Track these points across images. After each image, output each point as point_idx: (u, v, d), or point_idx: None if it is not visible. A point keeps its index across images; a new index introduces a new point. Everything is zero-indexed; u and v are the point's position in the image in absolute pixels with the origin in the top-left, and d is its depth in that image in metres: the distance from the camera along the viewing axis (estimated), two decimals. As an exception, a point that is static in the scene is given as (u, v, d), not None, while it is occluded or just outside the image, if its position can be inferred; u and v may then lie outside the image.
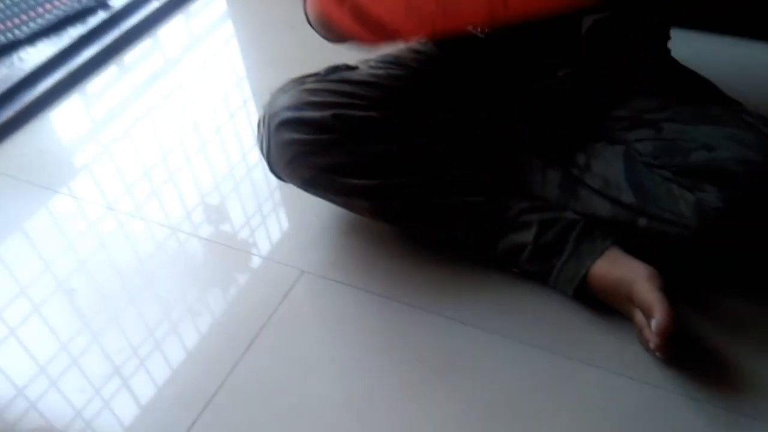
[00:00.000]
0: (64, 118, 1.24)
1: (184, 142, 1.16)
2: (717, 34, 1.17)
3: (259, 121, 0.86)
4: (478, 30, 0.84)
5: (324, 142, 0.81)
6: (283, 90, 0.85)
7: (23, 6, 1.42)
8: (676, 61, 0.90)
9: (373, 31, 0.66)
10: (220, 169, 1.10)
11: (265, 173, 1.06)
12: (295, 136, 0.82)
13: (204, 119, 1.21)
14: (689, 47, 0.91)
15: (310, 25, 0.80)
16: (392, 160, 0.83)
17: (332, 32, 0.74)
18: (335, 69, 0.88)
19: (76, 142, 1.20)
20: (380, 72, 0.89)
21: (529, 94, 0.91)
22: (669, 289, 0.75)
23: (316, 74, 0.87)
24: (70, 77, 1.30)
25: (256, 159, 1.08)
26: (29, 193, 1.10)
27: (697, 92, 0.84)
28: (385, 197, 0.84)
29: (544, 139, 0.90)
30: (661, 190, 0.78)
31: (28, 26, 1.37)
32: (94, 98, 1.28)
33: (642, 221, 0.79)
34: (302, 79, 0.86)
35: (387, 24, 0.66)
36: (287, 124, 0.82)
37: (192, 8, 1.48)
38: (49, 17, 1.38)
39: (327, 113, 0.81)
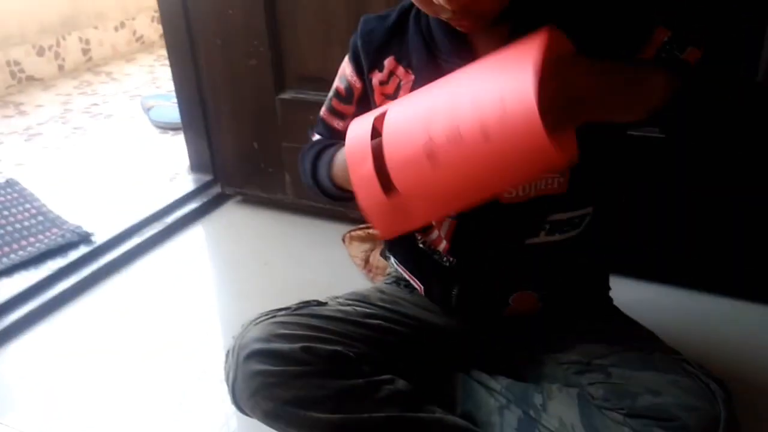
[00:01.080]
0: (29, 352, 1.24)
1: (147, 378, 1.16)
2: (656, 283, 1.28)
3: (228, 351, 0.88)
4: (444, 258, 0.91)
5: (291, 373, 0.82)
6: (253, 322, 0.88)
7: (7, 239, 1.50)
8: (617, 308, 0.98)
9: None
10: (181, 408, 1.09)
11: (228, 410, 1.05)
12: (263, 367, 0.83)
13: (171, 355, 1.22)
14: (629, 295, 1.00)
15: None
16: (356, 395, 0.84)
17: None
18: (306, 304, 0.93)
19: (37, 376, 1.18)
20: (348, 308, 0.94)
21: (486, 335, 0.96)
22: None
23: (287, 308, 0.91)
24: (41, 309, 1.32)
25: (218, 397, 1.08)
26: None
27: (639, 340, 0.90)
28: None
29: (504, 372, 0.93)
30: (613, 433, 0.80)
31: (9, 258, 1.42)
32: (63, 332, 1.29)
33: (598, 465, 0.80)
34: (273, 313, 0.90)
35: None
36: (256, 355, 0.84)
37: (171, 244, 1.57)
38: (31, 250, 1.45)
39: (296, 345, 0.84)
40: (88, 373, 1.18)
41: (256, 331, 0.86)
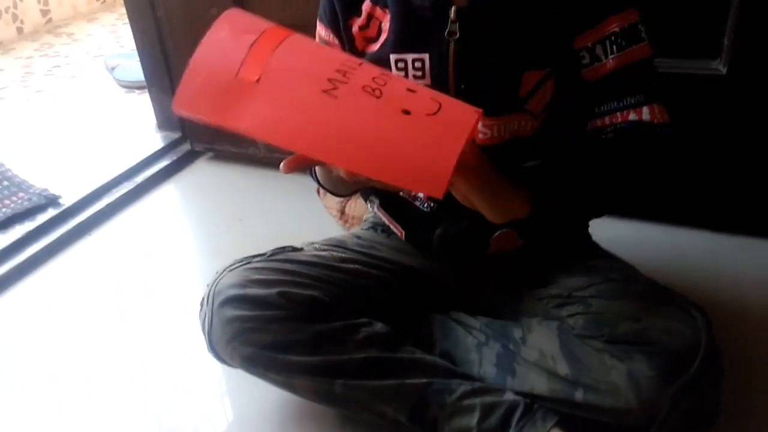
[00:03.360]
0: (2, 316, 1.21)
1: (125, 339, 1.14)
2: (633, 220, 1.28)
3: (203, 299, 0.87)
4: (424, 204, 0.89)
5: (267, 318, 0.82)
6: (228, 269, 0.87)
7: (-27, 206, 1.45)
8: (597, 244, 0.97)
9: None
10: (159, 365, 1.07)
11: (205, 364, 1.04)
12: (238, 312, 0.82)
13: (146, 316, 1.19)
14: (606, 233, 0.99)
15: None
16: (334, 337, 0.83)
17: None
18: (281, 250, 0.92)
19: (10, 342, 1.16)
20: (324, 253, 0.93)
21: (467, 275, 0.95)
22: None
23: (261, 255, 0.90)
24: (11, 274, 1.29)
25: (196, 352, 1.06)
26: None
27: (619, 271, 0.90)
28: (327, 376, 0.83)
29: (482, 312, 0.93)
30: (594, 361, 0.80)
31: (-25, 224, 1.38)
32: (35, 296, 1.26)
33: (578, 395, 0.80)
34: (248, 259, 0.88)
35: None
36: (231, 301, 0.83)
37: (142, 203, 1.54)
38: (-3, 215, 1.41)
39: (272, 291, 0.83)
40: (64, 336, 1.15)
41: (231, 278, 0.84)
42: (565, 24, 0.79)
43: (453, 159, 0.61)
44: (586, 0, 0.78)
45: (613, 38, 0.79)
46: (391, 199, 0.96)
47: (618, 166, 0.79)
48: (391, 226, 0.98)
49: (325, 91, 0.62)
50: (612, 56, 0.79)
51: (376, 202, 1.01)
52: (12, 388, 1.05)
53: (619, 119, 0.80)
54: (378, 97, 0.63)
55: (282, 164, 0.69)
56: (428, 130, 0.63)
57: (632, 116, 0.80)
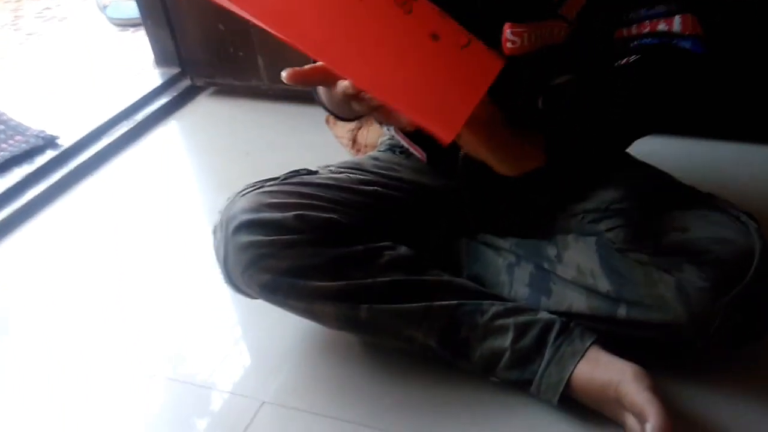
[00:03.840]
0: (6, 262, 1.17)
1: (136, 279, 1.10)
2: (669, 136, 1.21)
3: (216, 226, 0.82)
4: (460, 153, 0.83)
5: (284, 243, 0.77)
6: (240, 194, 0.82)
7: (-32, 150, 1.40)
8: (630, 155, 0.91)
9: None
10: (176, 304, 1.03)
11: (223, 299, 1.00)
12: (254, 238, 0.77)
13: (157, 252, 1.15)
14: (637, 146, 0.93)
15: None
16: (356, 261, 0.79)
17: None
18: (295, 173, 0.87)
19: (19, 286, 1.12)
20: (341, 175, 0.88)
21: (495, 195, 0.90)
22: (659, 387, 0.70)
23: (275, 178, 0.85)
24: (13, 218, 1.25)
25: (212, 287, 1.02)
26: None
27: (660, 180, 0.84)
28: (351, 301, 0.78)
29: (511, 233, 0.88)
30: (638, 275, 0.75)
31: (-28, 169, 1.33)
32: (39, 239, 1.22)
33: (621, 311, 0.76)
34: (261, 183, 0.84)
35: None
36: (246, 226, 0.78)
37: (144, 141, 1.48)
38: (-5, 159, 1.36)
39: (289, 214, 0.78)
40: (72, 280, 1.11)
41: (243, 202, 0.80)
42: None
43: (471, 105, 0.57)
44: None
45: None
46: None
47: (643, 95, 0.74)
48: (411, 149, 0.92)
49: None
50: None
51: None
52: (17, 335, 1.02)
53: (648, 28, 0.74)
54: (407, 12, 0.58)
55: (285, 72, 0.62)
56: (454, 65, 0.59)
57: (662, 26, 0.73)
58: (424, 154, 0.90)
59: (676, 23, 0.73)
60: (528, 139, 0.71)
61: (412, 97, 0.57)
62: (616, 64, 0.75)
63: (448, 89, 0.58)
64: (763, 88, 1.14)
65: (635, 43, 0.74)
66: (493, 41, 0.74)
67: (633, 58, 0.74)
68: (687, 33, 0.73)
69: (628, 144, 0.80)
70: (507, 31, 0.73)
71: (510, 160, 0.70)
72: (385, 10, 0.57)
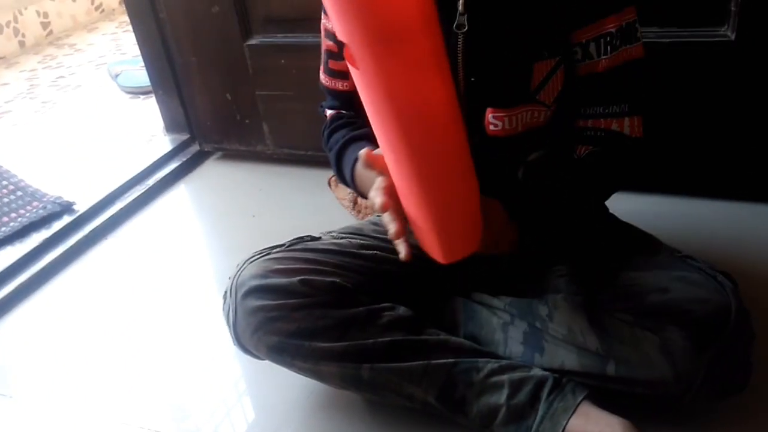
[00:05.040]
0: (23, 324, 1.22)
1: (146, 338, 1.14)
2: (649, 194, 1.27)
3: (226, 292, 0.87)
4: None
5: (291, 306, 0.82)
6: (248, 261, 0.87)
7: (-12, 217, 1.46)
8: (614, 216, 0.96)
9: None
10: (184, 363, 1.08)
11: (228, 358, 1.04)
12: (262, 302, 0.82)
13: (167, 314, 1.19)
14: (624, 205, 0.98)
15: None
16: (358, 322, 0.83)
17: None
18: (299, 240, 0.92)
19: (34, 347, 1.16)
20: (342, 241, 0.93)
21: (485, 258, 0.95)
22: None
23: (280, 245, 0.90)
24: (31, 282, 1.30)
25: (219, 346, 1.06)
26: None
27: (641, 242, 0.89)
28: (354, 361, 0.82)
29: (504, 293, 0.92)
30: (625, 334, 0.80)
31: (-8, 235, 1.39)
32: (55, 302, 1.26)
33: (610, 368, 0.80)
34: (267, 250, 0.88)
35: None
36: (255, 291, 0.83)
37: (155, 205, 1.54)
38: (14, 225, 1.41)
39: (294, 279, 0.83)
40: (86, 340, 1.16)
41: (252, 269, 0.84)
42: (567, 16, 0.79)
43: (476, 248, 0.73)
44: None
45: (608, 38, 0.79)
46: None
47: (601, 169, 0.84)
48: None
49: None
50: (605, 56, 0.80)
51: None
52: (35, 396, 1.05)
53: (602, 125, 0.83)
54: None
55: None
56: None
57: (614, 126, 0.83)
58: None
59: (626, 125, 0.83)
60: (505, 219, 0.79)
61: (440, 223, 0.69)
62: (575, 148, 0.85)
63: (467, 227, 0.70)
64: (742, 148, 1.20)
65: (590, 133, 0.84)
66: (477, 124, 0.81)
67: (588, 149, 0.84)
68: (633, 136, 0.83)
69: (596, 205, 0.90)
70: (489, 115, 0.80)
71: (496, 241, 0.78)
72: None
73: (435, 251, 0.72)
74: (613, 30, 0.79)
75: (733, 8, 1.08)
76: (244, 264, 0.87)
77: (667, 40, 1.03)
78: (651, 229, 0.94)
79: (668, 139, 1.21)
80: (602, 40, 0.79)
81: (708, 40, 1.11)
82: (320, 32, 0.94)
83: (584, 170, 0.83)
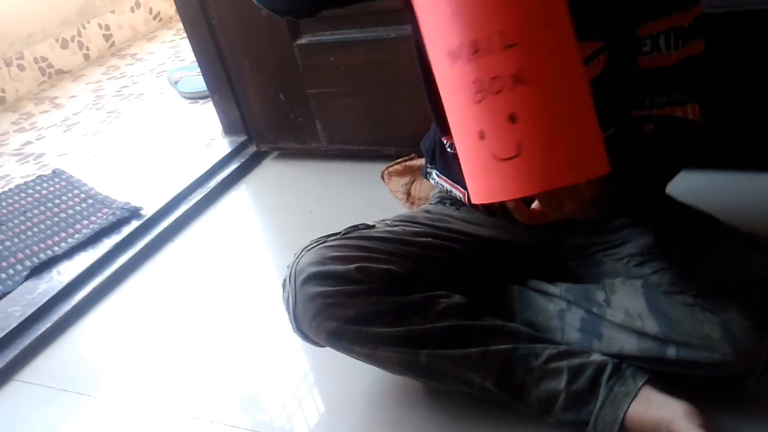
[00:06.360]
0: (100, 326, 1.28)
1: (216, 335, 1.19)
2: (707, 170, 1.23)
3: (285, 279, 0.88)
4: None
5: (348, 292, 0.83)
6: (306, 249, 0.89)
7: (63, 225, 1.54)
8: (670, 197, 0.94)
9: None
10: (253, 356, 1.12)
11: (297, 349, 1.08)
12: (321, 289, 0.84)
13: (234, 310, 1.24)
14: (681, 182, 0.96)
15: None
16: (415, 308, 0.84)
17: None
18: (354, 228, 0.93)
19: (111, 347, 1.23)
20: (396, 228, 0.94)
21: (539, 237, 0.95)
22: (711, 424, 0.73)
23: (336, 234, 0.91)
24: (105, 285, 1.36)
25: (287, 341, 1.10)
26: (64, 401, 1.11)
27: (697, 223, 0.87)
28: (412, 346, 0.84)
29: (561, 279, 0.92)
30: (684, 316, 0.78)
31: (66, 242, 1.47)
32: (128, 303, 1.33)
33: (671, 351, 0.79)
34: (324, 239, 0.90)
35: None
36: (313, 278, 0.84)
37: (218, 206, 1.59)
38: (86, 231, 1.49)
39: (351, 266, 0.84)
40: (159, 339, 1.21)
41: (309, 257, 0.86)
42: (638, 6, 0.78)
43: (500, 198, 0.61)
44: None
45: (681, 32, 0.79)
46: (447, 163, 0.97)
47: (670, 146, 0.84)
48: (454, 191, 0.98)
49: None
50: (675, 50, 0.80)
51: (434, 170, 1.01)
52: (112, 395, 1.11)
53: (667, 113, 0.83)
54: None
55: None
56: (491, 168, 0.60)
57: (678, 113, 0.83)
58: (465, 193, 0.96)
59: (688, 111, 0.83)
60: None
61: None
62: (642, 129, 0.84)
63: (471, 178, 0.61)
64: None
65: (655, 118, 0.84)
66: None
67: (653, 128, 0.84)
68: (695, 120, 0.83)
69: (663, 184, 0.88)
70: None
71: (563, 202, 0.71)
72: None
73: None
74: (686, 25, 0.79)
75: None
76: (302, 252, 0.88)
77: (722, 10, 0.99)
78: (708, 206, 0.92)
79: (722, 114, 1.17)
80: (672, 34, 0.79)
81: (764, 8, 1.07)
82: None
83: (655, 144, 0.83)
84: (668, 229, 0.87)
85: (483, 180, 0.59)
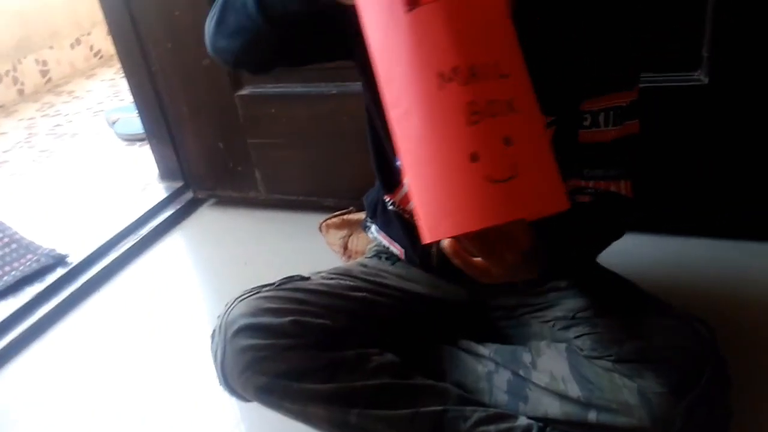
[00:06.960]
0: (19, 378, 1.23)
1: (140, 390, 1.15)
2: (632, 233, 1.27)
3: (215, 330, 0.86)
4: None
5: (282, 346, 0.81)
6: (238, 299, 0.87)
7: (-18, 271, 1.48)
8: (598, 264, 0.98)
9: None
10: (180, 412, 1.09)
11: (226, 402, 1.05)
12: (252, 341, 0.82)
13: (161, 362, 1.21)
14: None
15: None
16: (348, 365, 0.83)
17: None
18: (289, 279, 0.92)
19: (31, 400, 1.17)
20: (332, 282, 0.93)
21: (471, 301, 0.96)
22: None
23: (270, 284, 0.90)
24: (25, 336, 1.31)
25: (216, 395, 1.07)
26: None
27: (620, 289, 0.91)
28: (343, 404, 0.82)
29: (490, 339, 0.93)
30: (604, 381, 0.80)
31: (-14, 290, 1.40)
32: (50, 355, 1.28)
33: (592, 415, 0.80)
34: (257, 289, 0.88)
35: None
36: (244, 330, 0.82)
37: (149, 255, 1.56)
38: (7, 279, 1.42)
39: (285, 320, 0.83)
40: (81, 392, 1.17)
41: (242, 307, 0.84)
42: (584, 84, 0.82)
43: (463, 231, 0.59)
44: (612, 68, 0.82)
45: (619, 111, 0.83)
46: (386, 219, 0.98)
47: (597, 220, 0.87)
48: (391, 247, 0.99)
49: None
50: (614, 127, 0.83)
51: (374, 225, 1.02)
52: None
53: (603, 186, 0.86)
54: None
55: None
56: (473, 188, 0.58)
57: (613, 188, 0.86)
58: (402, 250, 0.97)
59: (622, 187, 0.86)
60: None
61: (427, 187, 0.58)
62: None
63: (454, 204, 0.57)
64: (719, 186, 1.22)
65: (590, 191, 0.87)
66: None
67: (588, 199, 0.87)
68: (627, 195, 0.87)
69: (594, 253, 0.90)
70: None
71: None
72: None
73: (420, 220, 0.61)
74: (624, 104, 0.83)
75: (705, 54, 1.12)
76: (233, 302, 0.86)
77: (643, 84, 1.05)
78: (628, 268, 0.95)
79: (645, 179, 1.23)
80: (612, 112, 0.83)
81: (682, 84, 1.14)
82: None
83: (590, 215, 0.86)
84: (594, 295, 0.90)
85: (472, 204, 0.57)
